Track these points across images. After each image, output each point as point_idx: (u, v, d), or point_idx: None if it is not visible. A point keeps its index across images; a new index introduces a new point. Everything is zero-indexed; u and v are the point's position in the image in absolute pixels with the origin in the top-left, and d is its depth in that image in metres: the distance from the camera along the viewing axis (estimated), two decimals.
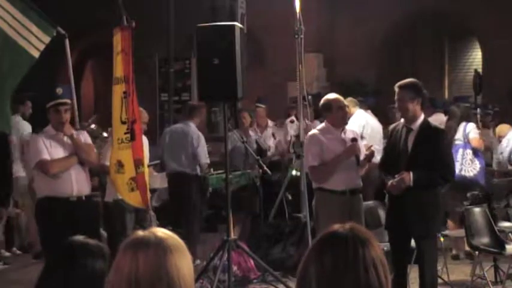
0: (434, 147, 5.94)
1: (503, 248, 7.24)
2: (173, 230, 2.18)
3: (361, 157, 6.64)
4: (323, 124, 6.72)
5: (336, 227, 1.98)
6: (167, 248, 2.06)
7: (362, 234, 1.95)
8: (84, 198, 6.50)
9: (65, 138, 6.47)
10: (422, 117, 6.07)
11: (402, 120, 6.16)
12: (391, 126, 6.29)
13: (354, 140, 6.47)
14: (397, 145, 6.10)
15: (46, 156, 6.37)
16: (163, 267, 2.03)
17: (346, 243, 1.91)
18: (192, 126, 9.05)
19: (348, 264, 1.88)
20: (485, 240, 7.35)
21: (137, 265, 2.03)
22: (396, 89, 6.09)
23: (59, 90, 6.47)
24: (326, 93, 8.03)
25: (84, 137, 6.69)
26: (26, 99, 10.09)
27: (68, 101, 6.50)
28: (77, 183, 6.42)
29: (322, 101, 6.76)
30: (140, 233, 2.12)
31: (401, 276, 6.07)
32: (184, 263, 2.08)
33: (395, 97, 6.09)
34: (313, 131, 6.75)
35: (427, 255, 5.97)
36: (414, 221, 5.89)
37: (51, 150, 6.41)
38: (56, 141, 6.46)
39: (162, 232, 2.11)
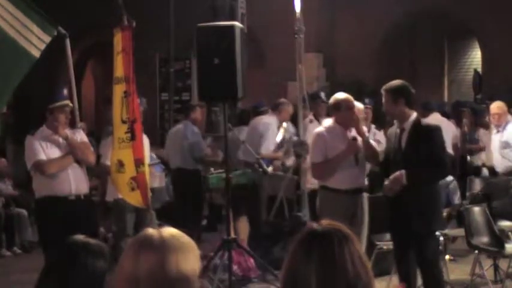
0: (427, 144, 5.92)
1: (503, 247, 7.25)
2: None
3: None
4: (330, 122, 6.57)
5: (314, 226, 2.04)
6: (170, 248, 2.05)
7: (343, 230, 2.01)
8: (82, 197, 6.53)
9: (60, 139, 6.50)
10: (413, 116, 6.03)
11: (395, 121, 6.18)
12: (390, 129, 6.30)
13: (354, 138, 6.44)
14: (392, 146, 6.13)
15: (43, 156, 6.40)
16: (164, 268, 2.02)
17: (331, 239, 1.97)
18: (188, 124, 9.62)
19: (335, 259, 1.93)
20: (484, 239, 7.35)
21: (138, 265, 2.02)
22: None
23: (66, 92, 6.61)
24: (326, 93, 8.01)
25: (81, 136, 6.71)
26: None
27: (70, 103, 6.58)
28: (75, 182, 6.45)
29: (331, 100, 6.62)
30: (146, 232, 2.10)
31: (405, 277, 6.07)
32: (187, 264, 2.05)
33: None
34: (319, 129, 6.66)
35: (428, 253, 5.92)
36: (414, 219, 5.87)
37: (48, 150, 6.43)
38: (51, 141, 6.48)
39: (167, 232, 2.09)
